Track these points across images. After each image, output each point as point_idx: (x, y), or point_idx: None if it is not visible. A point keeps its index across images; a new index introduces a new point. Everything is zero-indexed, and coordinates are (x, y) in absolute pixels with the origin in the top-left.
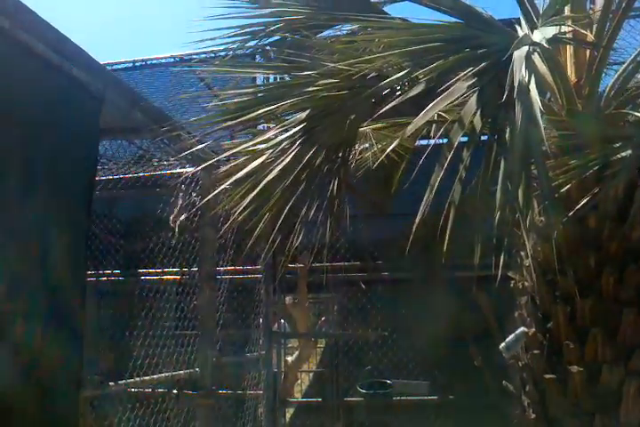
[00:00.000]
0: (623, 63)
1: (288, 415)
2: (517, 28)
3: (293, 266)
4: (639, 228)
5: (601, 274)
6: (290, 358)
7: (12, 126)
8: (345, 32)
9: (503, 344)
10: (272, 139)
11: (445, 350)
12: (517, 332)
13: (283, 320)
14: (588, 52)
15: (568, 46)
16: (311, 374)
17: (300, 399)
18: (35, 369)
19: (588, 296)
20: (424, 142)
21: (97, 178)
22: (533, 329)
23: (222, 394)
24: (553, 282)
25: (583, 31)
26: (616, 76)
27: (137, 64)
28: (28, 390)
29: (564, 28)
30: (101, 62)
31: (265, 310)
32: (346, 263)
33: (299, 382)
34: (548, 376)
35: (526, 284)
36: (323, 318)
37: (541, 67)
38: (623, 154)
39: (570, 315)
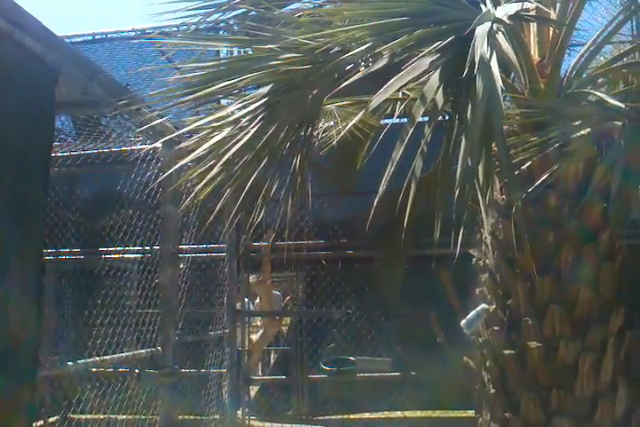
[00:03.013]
0: (585, 44)
1: (252, 393)
2: (482, 5)
3: (257, 244)
4: (597, 205)
5: (560, 251)
6: (254, 337)
7: None
8: (311, 5)
9: (464, 321)
10: (233, 114)
11: (408, 327)
12: (478, 308)
13: (247, 299)
14: (551, 31)
15: (532, 25)
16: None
17: (264, 377)
18: None
19: (547, 274)
20: (389, 121)
21: (55, 154)
22: (494, 306)
23: (185, 373)
24: (512, 259)
25: (546, 9)
26: (578, 56)
27: (97, 37)
28: None
29: (527, 5)
30: (59, 35)
31: (228, 289)
32: (310, 241)
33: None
34: (507, 352)
35: (487, 261)
36: (288, 297)
37: (504, 44)
38: (583, 132)
39: (529, 292)
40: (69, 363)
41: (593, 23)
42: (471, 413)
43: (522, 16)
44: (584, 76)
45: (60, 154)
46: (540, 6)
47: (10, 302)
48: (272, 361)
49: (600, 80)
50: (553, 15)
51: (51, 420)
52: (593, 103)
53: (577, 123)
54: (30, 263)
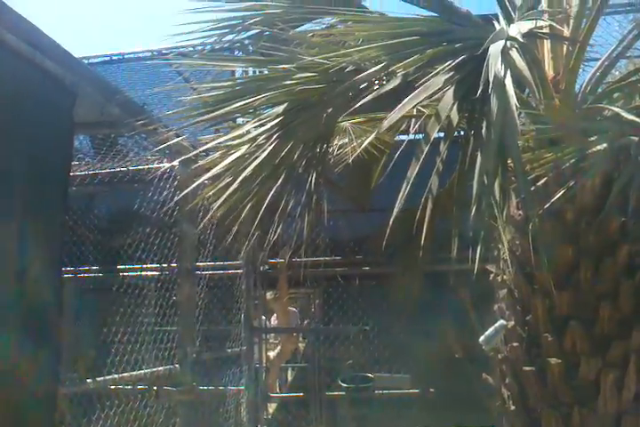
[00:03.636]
0: (599, 59)
1: (270, 410)
2: (495, 22)
3: (274, 261)
4: (615, 220)
5: (578, 267)
6: (271, 354)
7: None
8: (324, 26)
9: (483, 337)
10: (249, 133)
11: (426, 343)
12: (497, 324)
13: (264, 317)
14: (565, 47)
15: (546, 41)
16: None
17: (282, 394)
18: (11, 367)
19: (565, 289)
20: (404, 138)
21: (74, 173)
22: (512, 322)
23: (203, 390)
24: (531, 275)
25: (559, 27)
26: (592, 71)
27: (114, 58)
28: (4, 388)
29: (540, 23)
30: (77, 56)
31: (245, 306)
32: (326, 258)
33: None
34: (527, 368)
35: (505, 277)
36: (306, 322)
37: (518, 61)
38: (599, 147)
39: (548, 308)
40: (88, 380)
41: (607, 38)
42: None
43: (535, 34)
44: (599, 90)
45: (78, 173)
46: (554, 24)
47: (30, 319)
48: (289, 378)
49: (615, 95)
50: (566, 32)
51: None
52: (609, 118)
53: (593, 138)
54: (49, 281)
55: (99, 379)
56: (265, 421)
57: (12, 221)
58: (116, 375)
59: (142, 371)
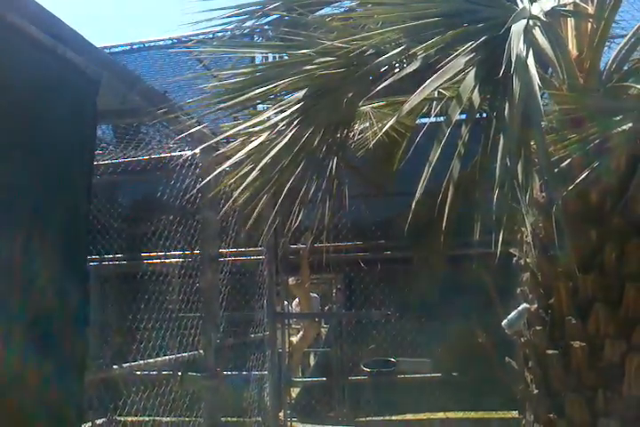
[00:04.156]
0: (625, 36)
1: (293, 395)
2: (518, 1)
3: (296, 247)
4: None
5: (603, 249)
6: (294, 339)
7: (6, 111)
8: (343, 9)
9: (506, 321)
10: (270, 119)
11: (448, 327)
12: (520, 308)
13: (286, 302)
14: (589, 25)
15: (569, 19)
16: (317, 354)
17: (305, 379)
18: (38, 353)
19: (589, 271)
20: (425, 120)
21: (97, 162)
22: (535, 305)
23: (227, 375)
24: (554, 258)
25: (583, 4)
26: (618, 49)
27: (135, 46)
28: (31, 374)
29: (563, 0)
30: (99, 45)
31: (268, 292)
32: (348, 243)
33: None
34: (550, 352)
35: (528, 260)
36: (327, 307)
37: (542, 40)
38: (624, 127)
39: (572, 290)
40: (114, 366)
41: (634, 13)
42: (515, 413)
43: (558, 12)
44: (625, 68)
45: (101, 162)
46: (577, 1)
47: (57, 307)
48: (312, 363)
49: None
50: (590, 9)
51: (98, 422)
52: (634, 97)
53: (618, 118)
54: (76, 270)
55: (125, 365)
56: (288, 405)
57: (38, 212)
58: (141, 361)
59: (167, 357)
